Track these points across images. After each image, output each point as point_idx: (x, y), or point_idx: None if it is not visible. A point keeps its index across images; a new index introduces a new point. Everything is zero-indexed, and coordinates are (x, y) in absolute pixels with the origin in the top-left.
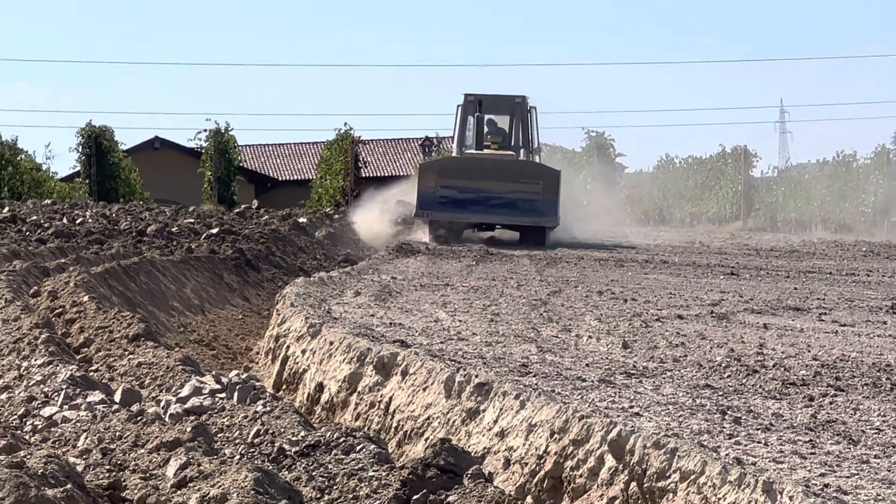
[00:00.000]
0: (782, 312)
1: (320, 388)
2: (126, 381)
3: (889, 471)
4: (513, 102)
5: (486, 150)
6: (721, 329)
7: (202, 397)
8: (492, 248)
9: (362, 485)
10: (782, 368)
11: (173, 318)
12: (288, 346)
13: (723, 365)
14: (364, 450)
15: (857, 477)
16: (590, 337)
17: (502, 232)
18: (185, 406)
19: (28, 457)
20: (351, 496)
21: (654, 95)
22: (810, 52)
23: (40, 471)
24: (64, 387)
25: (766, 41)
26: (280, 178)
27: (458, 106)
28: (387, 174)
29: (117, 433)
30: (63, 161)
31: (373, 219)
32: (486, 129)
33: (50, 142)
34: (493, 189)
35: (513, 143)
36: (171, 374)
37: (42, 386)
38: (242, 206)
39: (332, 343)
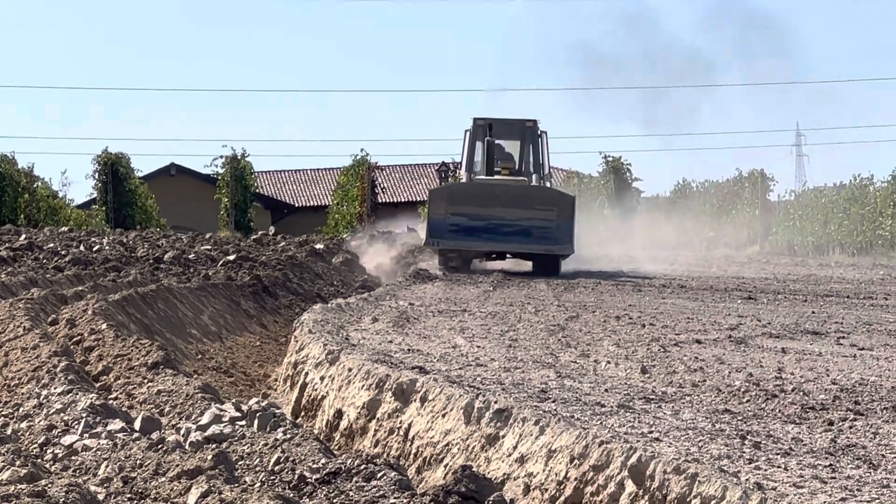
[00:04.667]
0: (800, 336)
1: (339, 414)
2: (146, 408)
3: None
4: (523, 126)
5: (496, 176)
6: (739, 354)
7: (222, 425)
8: (508, 273)
9: None
10: (801, 393)
11: (191, 346)
12: (306, 373)
13: (742, 389)
14: (385, 477)
15: (877, 502)
16: (608, 362)
17: (513, 262)
18: (206, 434)
19: (49, 485)
20: None
21: (670, 119)
22: (826, 75)
23: (62, 500)
24: (84, 415)
25: (782, 64)
26: (297, 205)
27: (467, 131)
28: (403, 200)
29: (138, 461)
30: (79, 188)
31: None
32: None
33: (66, 169)
34: (504, 216)
35: (524, 169)
36: (190, 401)
37: (62, 414)
38: (259, 233)
39: (350, 370)
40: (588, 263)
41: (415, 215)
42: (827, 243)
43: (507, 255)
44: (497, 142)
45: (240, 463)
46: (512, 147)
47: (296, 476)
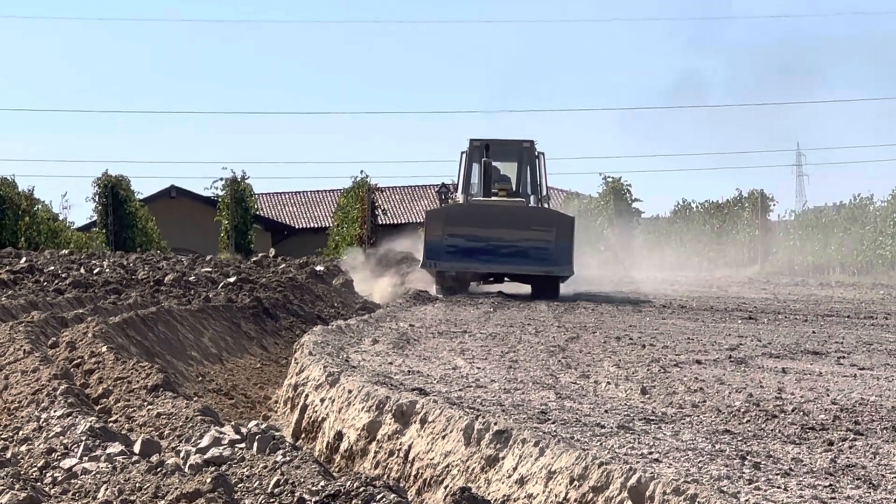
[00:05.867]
0: (801, 356)
1: (339, 436)
2: (145, 431)
3: None
4: (520, 147)
5: (494, 197)
6: (739, 374)
7: (222, 447)
8: (508, 295)
9: None
10: (801, 413)
11: (191, 368)
12: (307, 395)
13: (741, 410)
14: (384, 499)
15: None
16: (608, 383)
17: (510, 285)
18: (205, 456)
19: None
20: None
21: (670, 140)
22: (825, 94)
23: None
24: (83, 438)
25: (782, 84)
26: (297, 226)
27: (463, 152)
28: (404, 221)
29: (137, 484)
30: (80, 211)
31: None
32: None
33: (66, 192)
34: (503, 237)
35: (521, 190)
36: (190, 424)
37: (61, 437)
38: (259, 255)
39: (350, 391)
40: (588, 284)
41: (415, 236)
42: (827, 263)
43: (506, 278)
44: (494, 163)
45: (239, 486)
46: (509, 168)
47: (295, 499)
